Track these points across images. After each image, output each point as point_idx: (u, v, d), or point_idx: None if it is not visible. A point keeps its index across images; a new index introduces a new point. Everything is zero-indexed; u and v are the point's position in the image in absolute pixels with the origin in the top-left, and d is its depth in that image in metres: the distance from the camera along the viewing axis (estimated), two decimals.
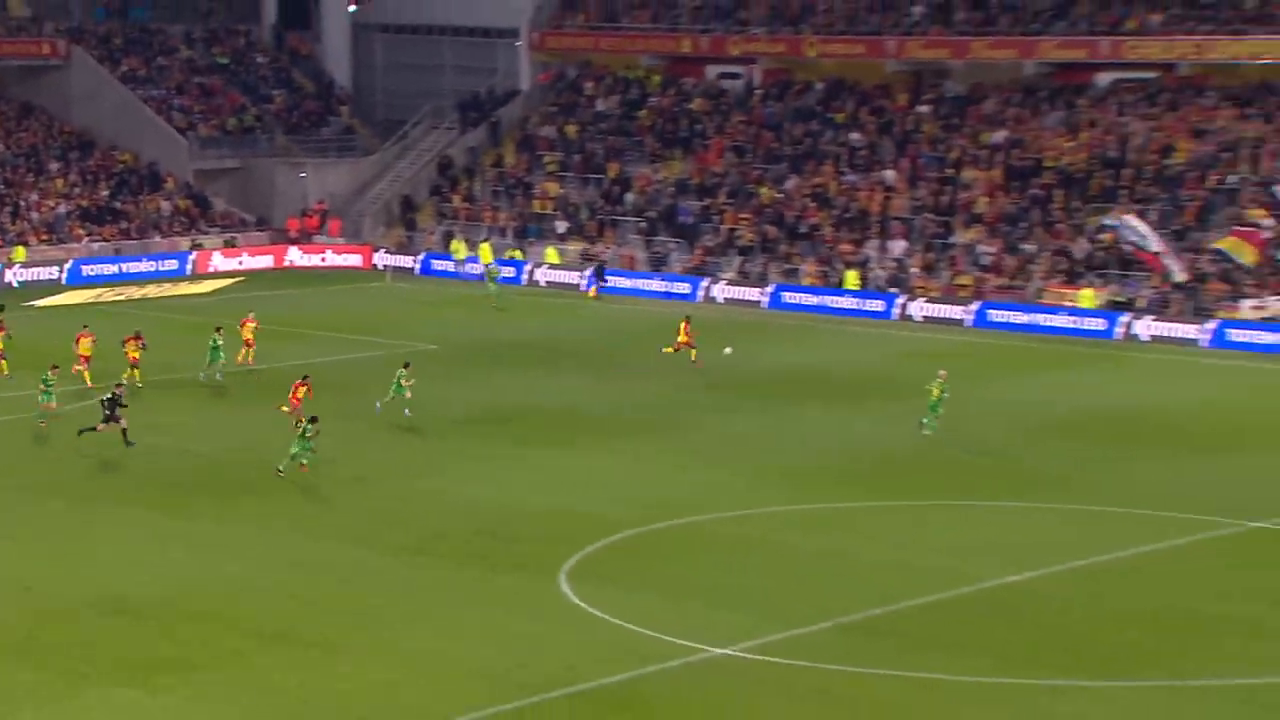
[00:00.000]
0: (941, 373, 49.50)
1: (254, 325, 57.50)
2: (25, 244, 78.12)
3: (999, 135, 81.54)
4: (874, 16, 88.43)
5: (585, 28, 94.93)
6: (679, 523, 42.38)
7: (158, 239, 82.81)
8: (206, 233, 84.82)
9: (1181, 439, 51.66)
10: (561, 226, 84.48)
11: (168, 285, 79.06)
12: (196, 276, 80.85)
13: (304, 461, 44.03)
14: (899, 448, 50.99)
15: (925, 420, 48.94)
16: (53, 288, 76.25)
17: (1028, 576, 37.94)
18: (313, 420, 43.68)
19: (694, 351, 57.64)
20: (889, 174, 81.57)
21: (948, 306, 72.48)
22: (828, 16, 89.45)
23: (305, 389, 49.26)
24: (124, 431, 46.91)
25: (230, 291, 78.52)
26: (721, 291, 76.68)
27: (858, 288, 74.95)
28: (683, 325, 63.12)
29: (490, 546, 40.36)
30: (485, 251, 79.52)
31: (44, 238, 79.67)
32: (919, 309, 72.44)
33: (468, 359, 64.09)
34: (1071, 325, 70.44)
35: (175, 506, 43.33)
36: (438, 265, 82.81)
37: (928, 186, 79.67)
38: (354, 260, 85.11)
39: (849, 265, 76.29)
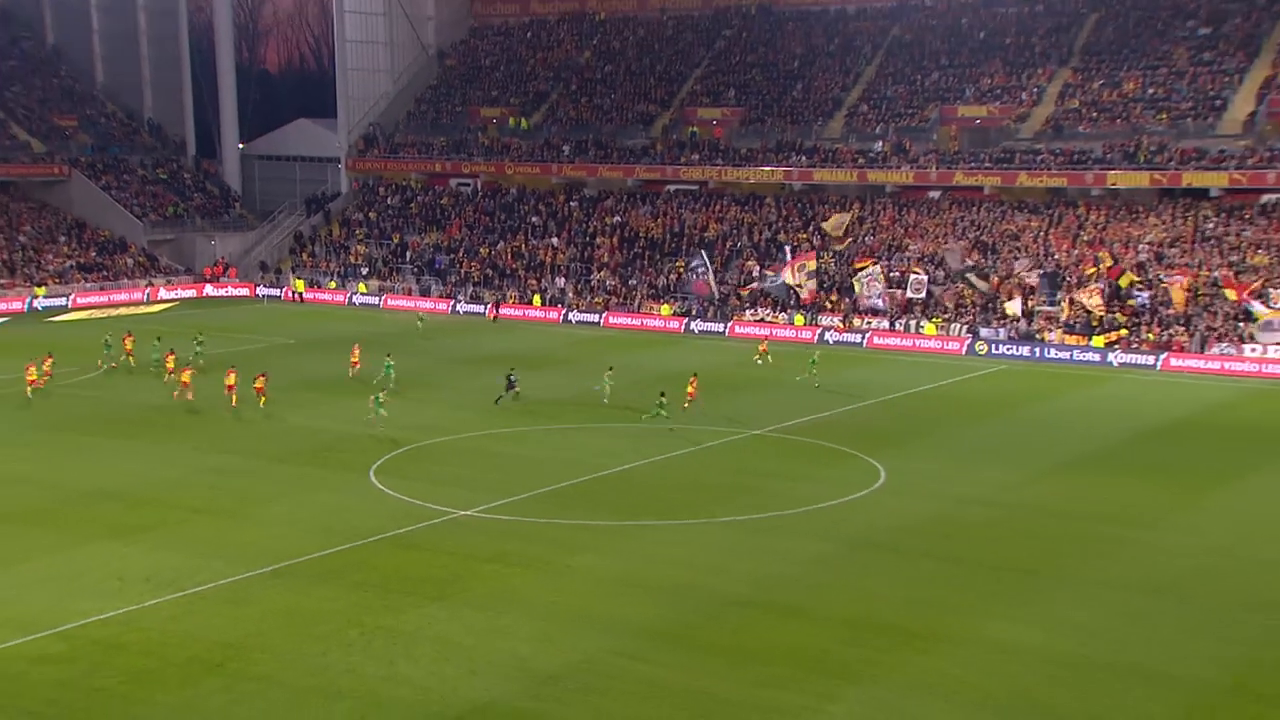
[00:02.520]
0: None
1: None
2: (44, 285, 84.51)
3: (615, 219, 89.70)
4: (544, 150, 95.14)
5: (378, 157, 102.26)
6: (440, 440, 45.77)
7: (125, 281, 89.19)
8: (156, 277, 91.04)
9: (712, 385, 53.11)
10: (365, 271, 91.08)
11: (132, 307, 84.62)
12: (151, 301, 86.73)
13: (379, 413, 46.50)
14: (560, 395, 54.83)
15: (655, 411, 47.74)
16: (61, 310, 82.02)
17: (635, 465, 42.31)
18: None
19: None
20: (555, 240, 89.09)
21: (590, 314, 79.82)
22: (518, 151, 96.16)
23: (264, 380, 50.88)
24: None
25: (171, 310, 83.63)
26: (462, 307, 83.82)
27: (539, 304, 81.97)
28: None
29: (327, 456, 43.57)
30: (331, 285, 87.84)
31: (55, 281, 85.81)
32: (574, 316, 79.85)
33: (311, 347, 67.95)
34: (659, 325, 77.05)
35: (125, 436, 46.49)
36: (294, 295, 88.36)
37: (576, 247, 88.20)
38: (243, 292, 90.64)
39: (535, 292, 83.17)
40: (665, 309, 78.72)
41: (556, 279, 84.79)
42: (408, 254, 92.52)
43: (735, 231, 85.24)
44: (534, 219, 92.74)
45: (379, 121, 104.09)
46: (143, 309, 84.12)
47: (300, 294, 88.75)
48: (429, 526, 35.51)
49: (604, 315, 79.76)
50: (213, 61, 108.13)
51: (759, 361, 62.45)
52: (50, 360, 54.09)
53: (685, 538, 34.93)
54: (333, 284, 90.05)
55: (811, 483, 40.54)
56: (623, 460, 42.88)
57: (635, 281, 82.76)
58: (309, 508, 37.39)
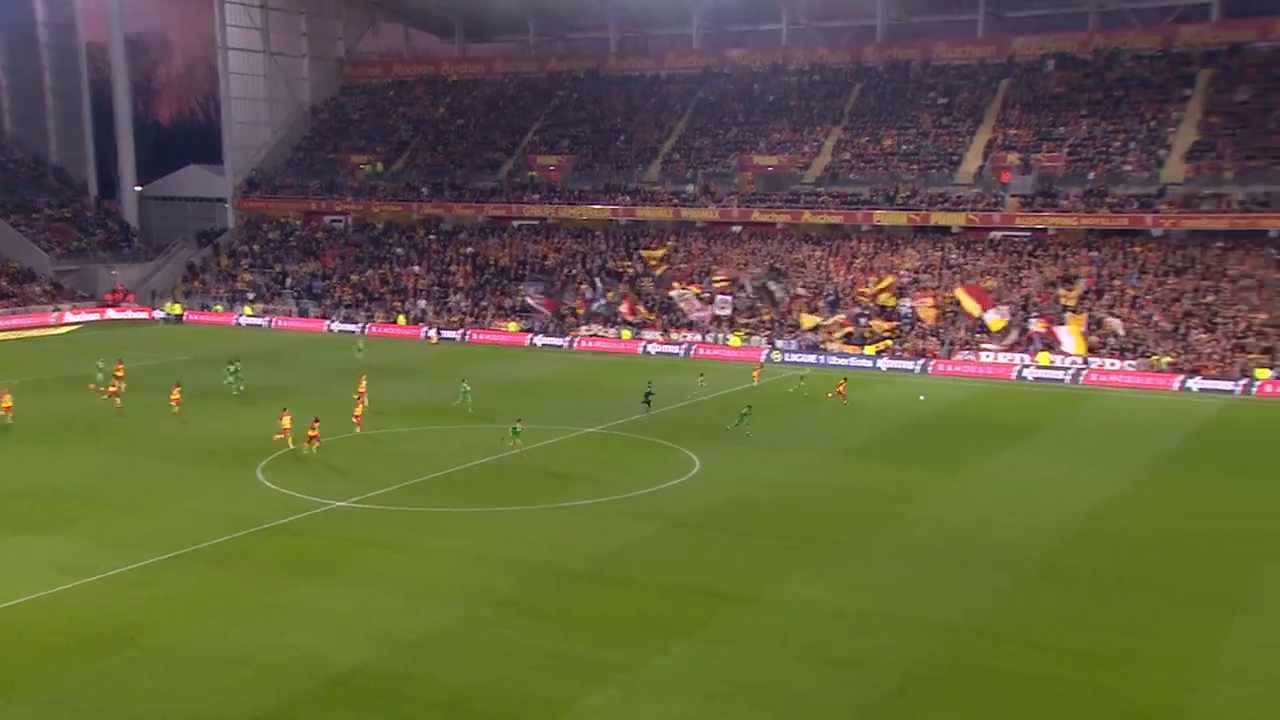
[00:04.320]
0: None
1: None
2: None
3: (468, 249, 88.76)
4: (406, 191, 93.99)
5: (261, 198, 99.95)
6: (322, 440, 43.41)
7: (34, 306, 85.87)
8: (62, 303, 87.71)
9: (558, 390, 54.88)
10: (251, 296, 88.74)
11: (42, 329, 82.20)
12: (58, 324, 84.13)
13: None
14: (427, 400, 54.33)
15: (651, 404, 49.01)
16: None
17: (489, 460, 41.34)
18: None
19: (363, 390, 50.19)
20: (416, 268, 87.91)
21: (450, 331, 78.45)
22: (383, 192, 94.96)
23: (178, 390, 49.01)
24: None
25: (77, 332, 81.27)
26: (338, 326, 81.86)
27: (405, 323, 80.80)
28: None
29: (221, 456, 42.36)
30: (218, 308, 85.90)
31: None
32: (434, 334, 78.08)
33: (204, 362, 65.24)
34: (508, 340, 76.38)
35: (44, 443, 44.64)
36: (188, 317, 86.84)
37: (435, 274, 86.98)
38: (142, 315, 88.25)
39: (399, 312, 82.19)
40: (513, 326, 77.92)
41: (419, 301, 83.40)
42: (288, 280, 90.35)
43: (571, 260, 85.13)
44: (398, 250, 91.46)
45: (261, 166, 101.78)
46: (50, 330, 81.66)
47: (178, 315, 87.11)
48: (310, 516, 34.87)
49: (461, 331, 78.50)
50: (112, 114, 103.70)
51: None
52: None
53: (532, 521, 34.64)
54: (219, 307, 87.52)
55: (638, 472, 40.48)
56: (479, 455, 42.34)
57: (486, 303, 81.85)
58: (206, 502, 36.49)
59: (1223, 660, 24.84)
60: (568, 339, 75.47)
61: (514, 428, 42.98)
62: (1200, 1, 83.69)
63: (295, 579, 29.29)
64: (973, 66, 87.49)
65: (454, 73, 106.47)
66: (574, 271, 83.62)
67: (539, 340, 75.84)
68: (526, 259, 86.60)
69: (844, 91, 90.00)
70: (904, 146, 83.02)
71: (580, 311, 78.33)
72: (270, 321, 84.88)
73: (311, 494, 36.99)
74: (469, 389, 51.87)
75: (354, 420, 46.44)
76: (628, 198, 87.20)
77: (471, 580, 29.38)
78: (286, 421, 43.39)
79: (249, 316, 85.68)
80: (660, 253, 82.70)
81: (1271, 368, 59.59)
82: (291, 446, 42.58)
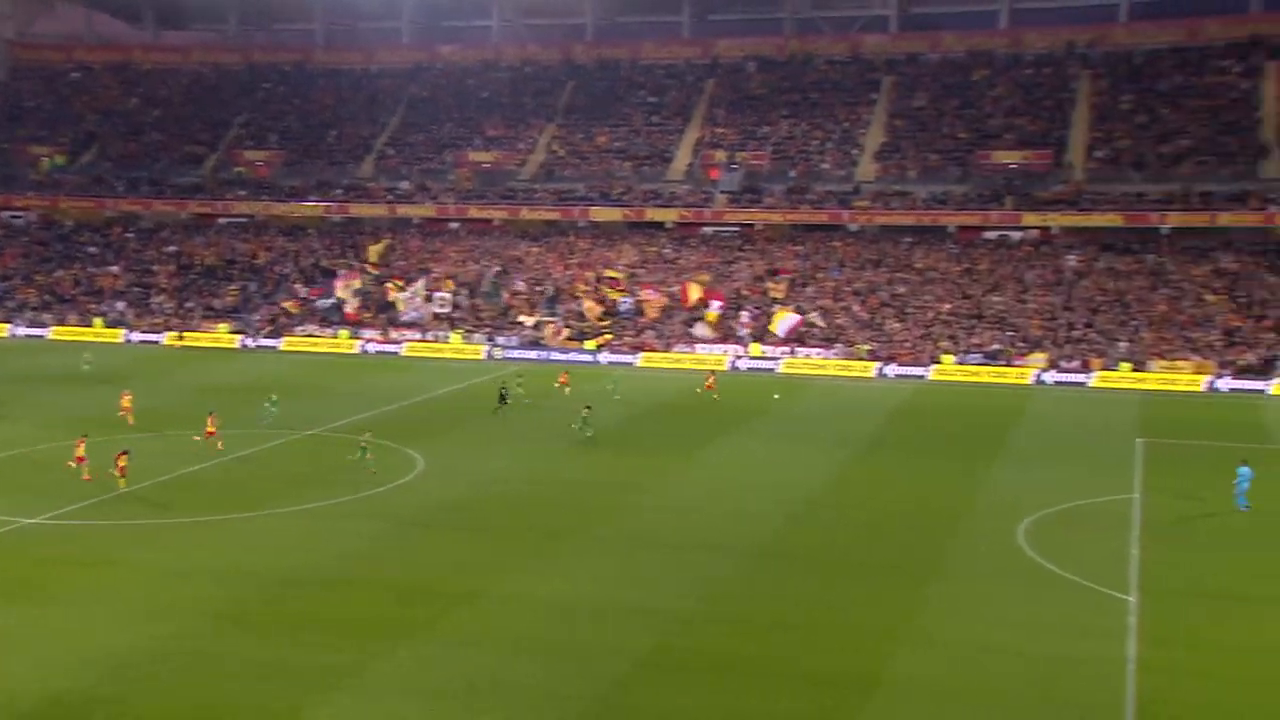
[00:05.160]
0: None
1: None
2: None
3: (172, 248, 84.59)
4: (95, 185, 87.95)
5: None
6: (10, 454, 41.59)
7: None
8: None
9: (275, 392, 50.96)
10: None
11: None
12: None
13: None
14: (150, 409, 51.91)
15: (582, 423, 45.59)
16: None
17: (199, 468, 39.41)
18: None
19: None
20: (114, 268, 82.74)
21: (151, 335, 73.90)
22: (71, 187, 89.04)
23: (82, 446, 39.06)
24: None
25: None
26: (20, 331, 75.40)
27: (102, 325, 75.52)
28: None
29: None
30: None
31: None
32: (134, 337, 73.93)
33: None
34: (213, 344, 72.12)
35: None
36: None
37: (135, 274, 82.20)
38: None
39: (94, 314, 76.86)
40: (223, 328, 74.48)
41: (116, 303, 78.49)
42: None
43: (283, 259, 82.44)
44: (91, 249, 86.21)
45: None
46: None
47: None
48: (7, 530, 32.43)
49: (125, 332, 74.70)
50: None
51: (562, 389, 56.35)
52: None
53: (249, 529, 33.24)
54: None
55: (361, 473, 39.42)
56: (187, 464, 40.27)
57: (193, 304, 77.98)
58: None
59: (919, 628, 26.48)
60: (281, 340, 72.76)
61: (361, 446, 40.39)
62: (881, 13, 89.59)
63: None
64: (680, 67, 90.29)
65: (146, 61, 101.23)
66: (287, 271, 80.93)
67: (249, 342, 72.77)
68: (235, 258, 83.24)
69: (557, 89, 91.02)
70: (617, 144, 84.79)
71: (295, 311, 75.71)
72: None
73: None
74: (275, 400, 48.93)
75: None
76: (341, 194, 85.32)
77: (182, 594, 27.90)
78: (81, 450, 38.21)
79: None
80: (377, 250, 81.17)
81: (955, 354, 64.52)
82: (87, 478, 37.51)
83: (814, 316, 68.22)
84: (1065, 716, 22.28)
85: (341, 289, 75.25)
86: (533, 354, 68.90)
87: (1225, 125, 74.34)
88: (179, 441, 43.24)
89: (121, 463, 36.59)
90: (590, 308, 71.44)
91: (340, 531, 33.12)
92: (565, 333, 70.31)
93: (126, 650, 24.56)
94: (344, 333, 73.12)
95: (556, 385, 55.36)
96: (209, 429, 42.81)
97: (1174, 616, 27.10)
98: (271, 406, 47.96)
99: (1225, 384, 59.66)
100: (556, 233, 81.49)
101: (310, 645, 25.08)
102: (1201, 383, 60.01)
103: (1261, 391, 58.74)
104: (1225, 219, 69.02)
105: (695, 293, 71.07)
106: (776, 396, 56.61)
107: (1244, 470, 36.32)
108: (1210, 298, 66.30)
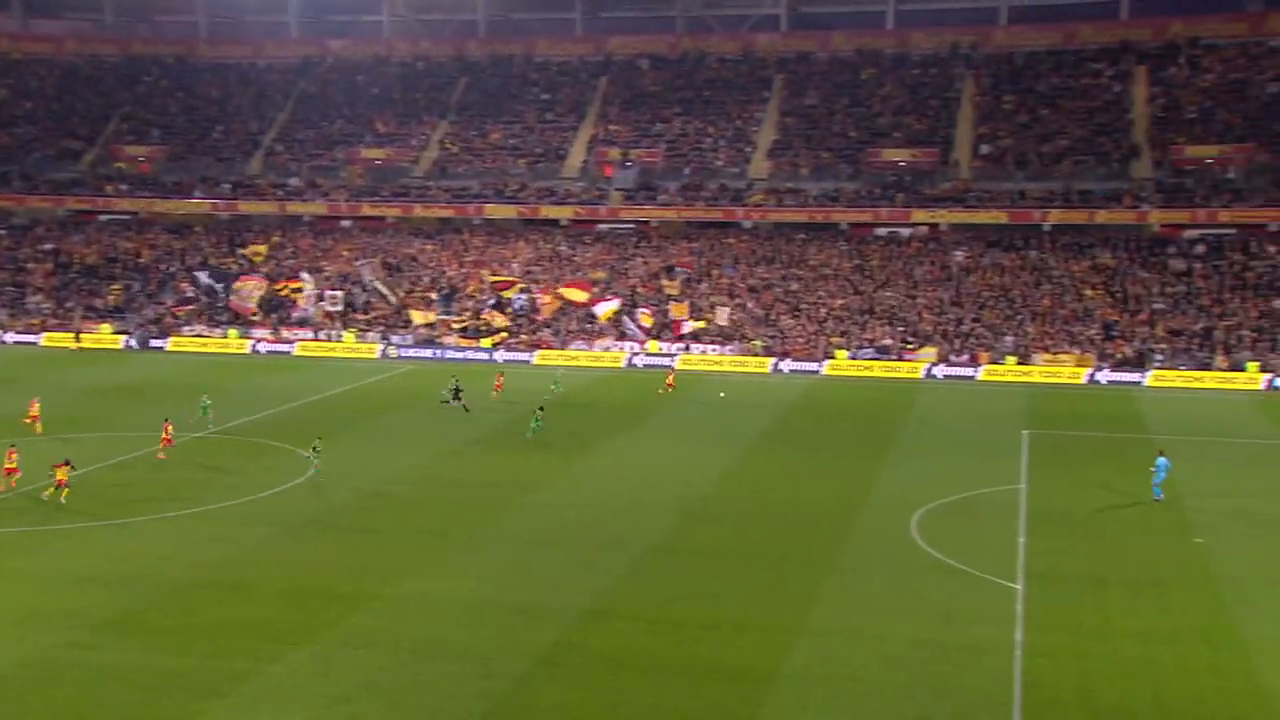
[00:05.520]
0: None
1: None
2: None
3: (48, 246, 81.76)
4: None
5: None
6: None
7: None
8: None
9: (163, 393, 52.62)
10: None
11: None
12: None
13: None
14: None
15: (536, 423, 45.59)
16: None
17: (80, 473, 36.47)
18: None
19: None
20: None
21: (28, 335, 71.68)
22: None
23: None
24: None
25: None
26: None
27: None
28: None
29: None
30: None
31: None
32: (8, 337, 72.03)
33: None
34: (101, 346, 70.29)
35: None
36: None
37: (9, 273, 79.09)
38: None
39: None
40: (105, 329, 72.43)
41: None
42: None
43: (168, 257, 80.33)
44: None
45: None
46: None
47: None
48: None
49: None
50: None
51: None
52: None
53: (135, 534, 32.41)
54: None
55: (252, 475, 38.95)
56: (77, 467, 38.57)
57: (73, 303, 75.54)
58: None
59: (815, 620, 26.89)
60: (168, 341, 71.05)
61: (314, 447, 39.50)
62: (771, 13, 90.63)
63: None
64: (573, 64, 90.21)
65: (15, 50, 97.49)
66: (172, 269, 78.94)
67: (133, 342, 70.91)
68: (117, 256, 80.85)
69: (449, 85, 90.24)
70: (511, 141, 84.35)
71: (181, 314, 73.85)
72: None
73: None
74: (209, 403, 47.40)
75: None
76: (229, 188, 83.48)
77: (66, 602, 27.07)
78: (13, 460, 36.50)
79: None
80: (266, 248, 79.52)
81: (848, 349, 65.62)
82: (13, 487, 36.02)
83: (722, 312, 68.62)
84: (957, 702, 22.85)
85: (249, 289, 73.26)
86: (428, 352, 68.32)
87: (1100, 126, 76.87)
88: (62, 446, 41.65)
89: (60, 475, 34.92)
90: (492, 315, 70.89)
91: (232, 535, 32.49)
92: (456, 325, 69.82)
93: (7, 663, 23.82)
94: (233, 332, 71.64)
95: (493, 393, 53.74)
96: (165, 437, 41.64)
97: (1058, 602, 27.93)
98: (205, 410, 46.64)
99: (1104, 376, 61.75)
100: (451, 230, 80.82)
101: (201, 651, 24.59)
102: (1083, 375, 62.02)
103: (1137, 383, 60.89)
104: (1102, 216, 71.34)
105: (572, 294, 70.46)
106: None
107: (1161, 461, 37.47)
108: (1089, 293, 68.45)
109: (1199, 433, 48.37)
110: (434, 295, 73.45)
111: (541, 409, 47.38)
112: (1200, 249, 70.26)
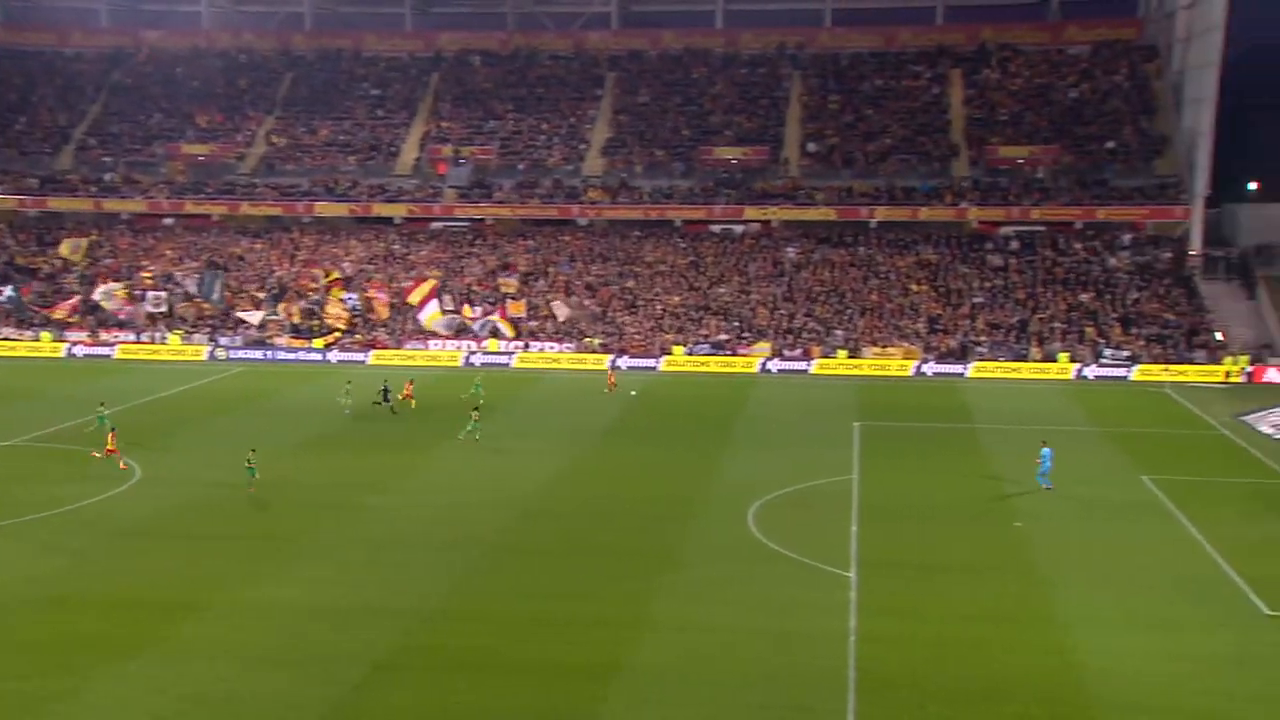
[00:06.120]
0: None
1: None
2: None
3: None
4: None
5: None
6: None
7: None
8: None
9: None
10: None
11: None
12: None
13: None
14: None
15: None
16: None
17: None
18: None
19: None
20: None
21: None
22: None
23: None
24: None
25: None
26: None
27: None
28: None
29: None
30: None
31: None
32: None
33: None
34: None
35: None
36: None
37: None
38: None
39: None
40: (48, 336, 68.54)
41: None
42: None
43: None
44: None
45: None
46: None
47: None
48: None
49: None
50: None
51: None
52: None
53: None
54: None
55: (71, 484, 37.35)
56: None
57: None
58: None
59: (656, 614, 27.24)
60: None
61: (248, 460, 37.63)
62: (602, 10, 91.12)
63: None
64: (403, 60, 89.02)
65: None
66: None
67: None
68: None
69: (275, 80, 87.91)
70: (341, 137, 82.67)
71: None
72: None
73: None
74: (105, 413, 44.77)
75: None
76: (36, 183, 79.59)
77: None
78: None
79: None
80: (82, 247, 75.91)
81: (684, 345, 66.45)
82: None
83: (562, 310, 68.37)
84: (794, 689, 23.47)
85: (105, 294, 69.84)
86: (258, 353, 66.46)
87: (921, 126, 79.71)
88: None
89: None
90: (335, 313, 69.23)
91: (49, 548, 31.14)
92: (292, 324, 68.08)
93: None
94: (46, 335, 68.27)
95: (401, 398, 51.57)
96: (109, 446, 39.85)
97: (888, 589, 28.90)
98: (101, 420, 44.15)
99: (930, 369, 64.13)
100: (279, 228, 78.72)
101: (19, 669, 23.57)
102: (910, 368, 64.27)
103: (961, 375, 63.44)
104: (925, 213, 73.98)
105: (416, 295, 68.78)
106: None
107: (1046, 451, 38.88)
108: (915, 288, 70.95)
109: (1019, 421, 50.49)
110: (262, 295, 71.49)
111: (477, 409, 47.13)
112: (1015, 245, 73.68)
